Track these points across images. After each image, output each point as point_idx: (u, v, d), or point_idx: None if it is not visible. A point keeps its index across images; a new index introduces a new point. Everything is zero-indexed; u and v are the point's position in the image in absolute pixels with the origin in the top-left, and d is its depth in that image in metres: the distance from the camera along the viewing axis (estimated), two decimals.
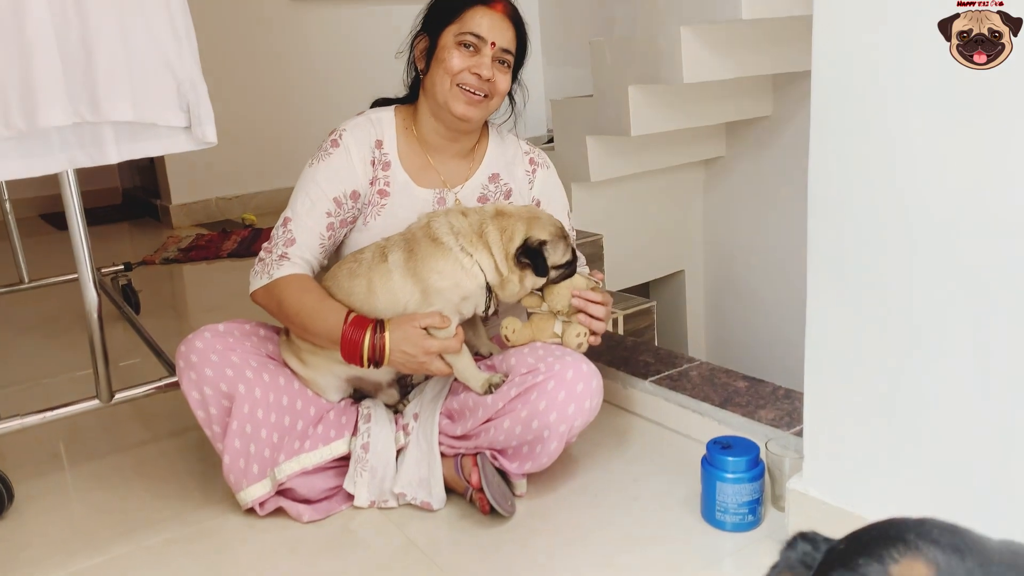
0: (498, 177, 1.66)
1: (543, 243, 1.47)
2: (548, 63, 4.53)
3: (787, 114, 3.20)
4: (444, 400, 1.56)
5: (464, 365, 1.50)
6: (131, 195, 4.78)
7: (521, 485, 1.56)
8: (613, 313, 2.65)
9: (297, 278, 1.51)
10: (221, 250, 3.53)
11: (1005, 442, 1.10)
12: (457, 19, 1.52)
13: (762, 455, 1.45)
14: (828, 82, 1.18)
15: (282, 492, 1.52)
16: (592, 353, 1.57)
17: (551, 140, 3.45)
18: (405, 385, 1.67)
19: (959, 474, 1.16)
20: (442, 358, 1.47)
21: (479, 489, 1.46)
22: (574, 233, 1.78)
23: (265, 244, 1.56)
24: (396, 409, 1.62)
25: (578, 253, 1.77)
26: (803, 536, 0.41)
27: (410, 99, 1.66)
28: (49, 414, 1.66)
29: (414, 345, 1.43)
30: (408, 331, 1.43)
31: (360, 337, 1.43)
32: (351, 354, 1.44)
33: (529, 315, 1.58)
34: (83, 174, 1.57)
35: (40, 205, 4.41)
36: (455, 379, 1.54)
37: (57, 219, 4.24)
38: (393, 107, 1.65)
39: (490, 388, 1.49)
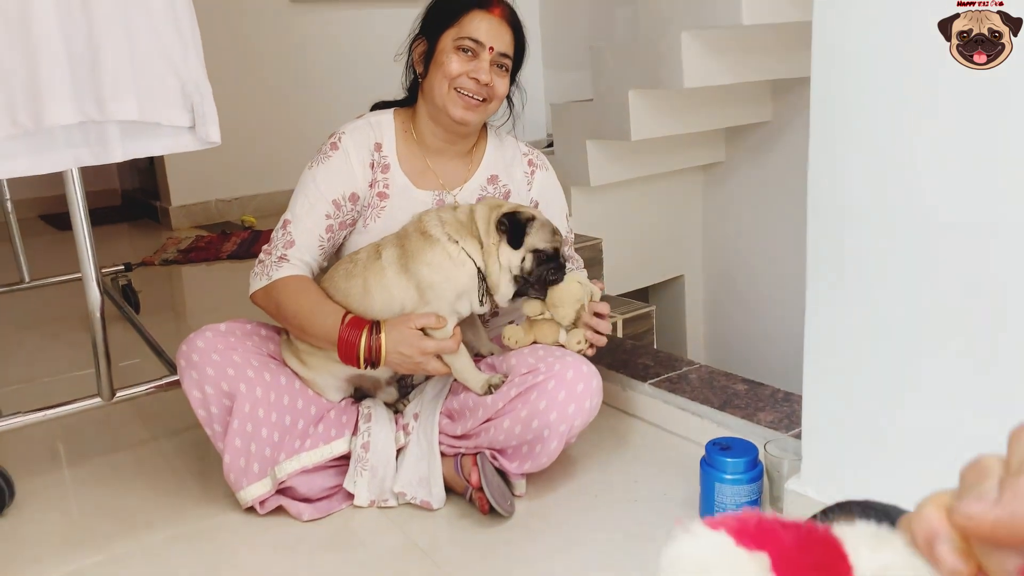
0: (497, 179, 1.67)
1: (530, 219, 1.48)
2: (548, 67, 4.55)
3: (787, 120, 3.21)
4: (444, 400, 1.57)
5: (463, 365, 1.50)
6: (130, 197, 4.78)
7: (520, 485, 1.57)
8: (612, 317, 2.66)
9: (295, 280, 1.52)
10: (220, 252, 3.53)
11: (1005, 444, 1.11)
12: (456, 23, 1.53)
13: (761, 457, 1.46)
14: (827, 87, 1.18)
15: (282, 491, 1.52)
16: (592, 355, 1.58)
17: (551, 144, 3.46)
18: (406, 385, 1.68)
19: (958, 476, 1.16)
20: (440, 359, 1.48)
21: (479, 489, 1.47)
22: (572, 236, 1.79)
23: (265, 246, 1.56)
24: (396, 409, 1.63)
25: (578, 258, 1.79)
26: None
27: (409, 102, 1.67)
28: (50, 412, 1.66)
29: (410, 346, 1.44)
30: (404, 332, 1.44)
31: (356, 338, 1.44)
32: (348, 355, 1.45)
33: (529, 321, 1.56)
34: (83, 175, 1.58)
35: (40, 206, 4.41)
36: (455, 379, 1.55)
37: (57, 220, 4.24)
38: (392, 110, 1.65)
39: (490, 388, 1.50)
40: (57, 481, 1.73)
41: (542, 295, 1.52)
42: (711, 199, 3.55)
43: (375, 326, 1.45)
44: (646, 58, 2.75)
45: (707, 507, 1.45)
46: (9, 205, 2.78)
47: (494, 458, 1.51)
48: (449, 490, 1.55)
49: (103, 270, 2.71)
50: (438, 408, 1.56)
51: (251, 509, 1.52)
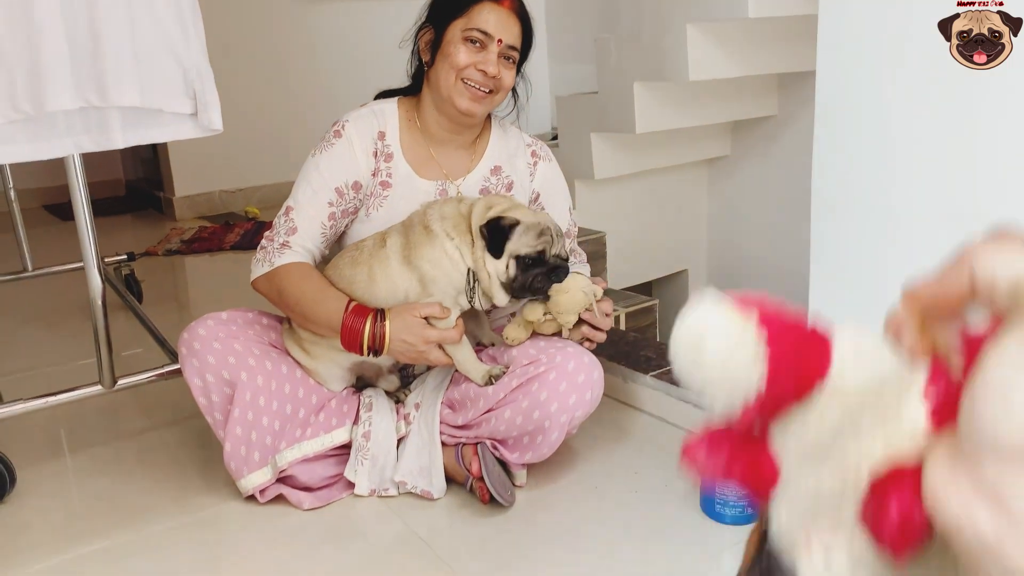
0: (500, 170, 1.67)
1: (514, 224, 1.43)
2: (553, 59, 4.53)
3: (792, 114, 3.20)
4: (446, 390, 1.57)
5: (464, 356, 1.50)
6: (134, 187, 4.79)
7: (521, 475, 1.56)
8: (616, 311, 2.65)
9: (298, 266, 1.51)
10: (224, 242, 3.53)
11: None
12: (464, 14, 1.52)
13: None
14: (832, 81, 1.18)
15: (283, 479, 1.52)
16: (591, 349, 1.57)
17: (555, 137, 3.45)
18: (407, 375, 1.68)
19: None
20: (442, 348, 1.47)
21: (479, 478, 1.47)
22: (576, 229, 1.78)
23: (267, 232, 1.56)
24: (398, 398, 1.62)
25: (581, 252, 1.78)
26: None
27: (413, 90, 1.66)
28: (52, 399, 1.67)
29: (414, 334, 1.43)
30: (408, 320, 1.44)
31: (360, 325, 1.44)
32: (351, 342, 1.45)
33: (528, 322, 1.53)
34: (87, 165, 1.57)
35: (43, 196, 4.42)
36: (457, 369, 1.54)
37: (60, 210, 4.25)
38: (396, 99, 1.65)
39: (491, 379, 1.49)
40: (58, 469, 1.73)
41: (542, 299, 1.48)
42: (716, 193, 3.54)
43: (379, 314, 1.45)
44: (651, 51, 2.73)
45: (708, 499, 1.45)
46: (12, 194, 2.78)
47: (495, 448, 1.51)
48: (450, 480, 1.55)
49: (106, 260, 2.71)
50: (439, 398, 1.55)
51: (252, 498, 1.52)
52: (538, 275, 1.45)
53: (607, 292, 1.57)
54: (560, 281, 1.47)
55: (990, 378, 0.30)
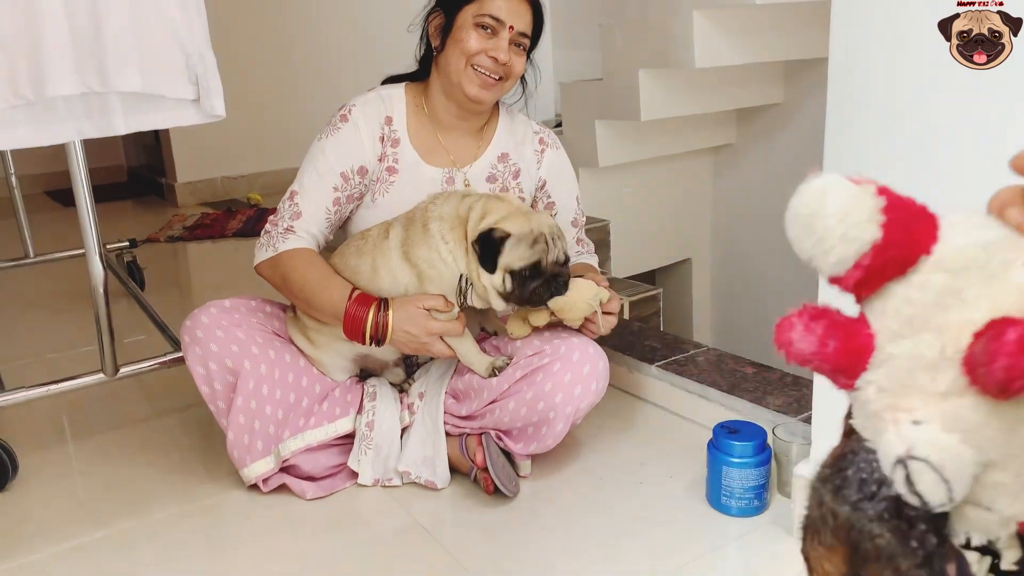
0: (507, 157, 1.65)
1: (505, 237, 1.38)
2: (557, 45, 4.50)
3: (798, 101, 3.17)
4: (450, 380, 1.56)
5: (467, 349, 1.49)
6: (136, 173, 4.77)
7: (526, 466, 1.56)
8: (620, 301, 2.63)
9: (302, 252, 1.50)
10: (226, 229, 3.52)
11: None
12: None
13: (769, 441, 1.44)
14: (845, 69, 1.16)
15: (286, 469, 1.52)
16: (598, 337, 1.56)
17: (559, 124, 3.43)
18: (411, 365, 1.67)
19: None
20: (445, 341, 1.46)
21: (483, 469, 1.46)
22: (584, 218, 1.77)
23: (271, 217, 1.55)
24: (402, 388, 1.61)
25: (588, 242, 1.76)
26: None
27: (420, 75, 1.64)
28: (54, 387, 1.66)
29: (416, 325, 1.42)
30: (411, 311, 1.43)
31: (364, 314, 1.42)
32: (353, 331, 1.44)
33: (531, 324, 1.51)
34: (89, 152, 1.56)
35: (46, 182, 4.40)
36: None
37: (63, 196, 4.23)
38: (404, 84, 1.63)
39: (494, 371, 1.48)
40: (61, 457, 1.72)
41: (544, 306, 1.45)
42: (721, 181, 3.52)
43: (383, 303, 1.44)
44: (657, 37, 2.71)
45: (714, 491, 1.44)
46: (13, 180, 2.77)
47: (499, 439, 1.50)
48: (454, 470, 1.54)
49: (108, 246, 2.70)
50: (443, 388, 1.54)
51: (254, 487, 1.52)
52: (536, 288, 1.40)
53: (612, 282, 1.55)
54: (560, 293, 1.41)
55: None
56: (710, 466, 1.44)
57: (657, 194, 3.37)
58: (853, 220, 0.37)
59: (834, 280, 0.39)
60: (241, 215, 3.71)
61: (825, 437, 1.32)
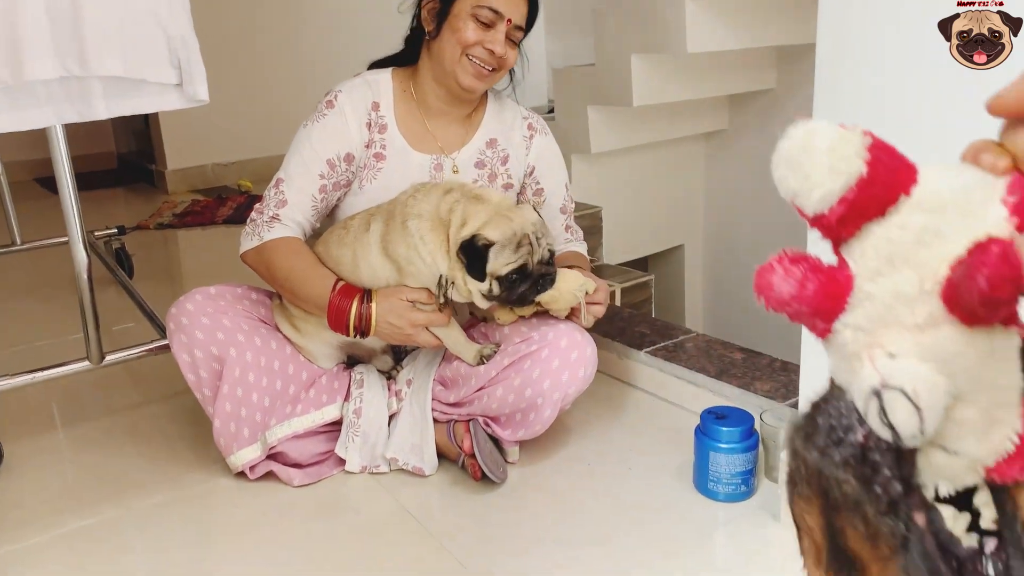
0: (496, 143, 1.64)
1: (489, 245, 1.36)
2: (550, 31, 4.47)
3: (791, 87, 3.16)
4: (438, 367, 1.55)
5: (454, 338, 1.48)
6: (126, 160, 4.73)
7: (514, 452, 1.55)
8: (611, 286, 2.63)
9: (287, 241, 1.49)
10: (216, 216, 3.50)
11: None
12: None
13: (757, 426, 1.44)
14: (833, 55, 1.15)
15: (273, 456, 1.51)
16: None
17: (551, 110, 3.41)
18: (399, 351, 1.66)
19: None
20: (431, 331, 1.45)
21: (471, 455, 1.46)
22: (572, 204, 1.76)
23: (257, 204, 1.53)
24: (389, 375, 1.61)
25: (577, 229, 1.75)
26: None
27: (405, 58, 1.62)
28: (39, 375, 1.65)
29: (400, 317, 1.42)
30: (395, 303, 1.42)
31: (347, 306, 1.42)
32: (337, 322, 1.43)
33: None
34: (78, 138, 1.55)
35: (35, 168, 4.36)
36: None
37: (51, 183, 4.17)
38: (390, 69, 1.61)
39: (482, 359, 1.48)
40: (49, 444, 1.72)
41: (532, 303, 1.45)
42: (713, 167, 3.51)
43: (366, 295, 1.43)
44: (649, 22, 2.69)
45: (701, 476, 1.44)
46: None
47: (487, 425, 1.50)
48: (441, 456, 1.54)
49: (96, 233, 2.68)
50: (431, 375, 1.54)
51: (242, 474, 1.51)
52: (523, 292, 1.40)
53: (602, 268, 1.55)
54: (547, 290, 1.42)
55: None
56: (697, 452, 1.44)
57: (650, 180, 3.36)
58: (841, 154, 0.38)
59: (816, 220, 0.40)
60: (231, 202, 3.69)
61: None
